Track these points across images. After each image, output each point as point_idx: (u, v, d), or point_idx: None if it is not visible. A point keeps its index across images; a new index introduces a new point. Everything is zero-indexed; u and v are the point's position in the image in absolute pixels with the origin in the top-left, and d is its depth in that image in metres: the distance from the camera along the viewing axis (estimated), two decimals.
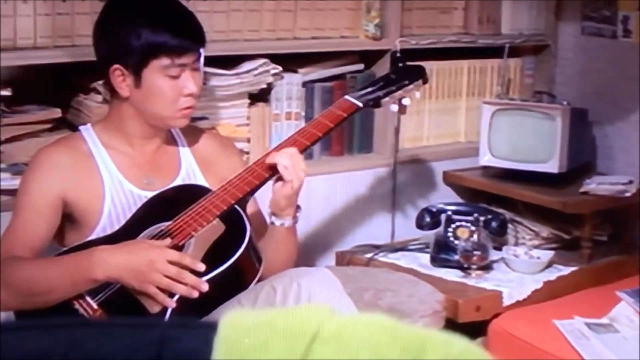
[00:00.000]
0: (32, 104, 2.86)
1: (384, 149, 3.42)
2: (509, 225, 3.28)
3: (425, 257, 3.21)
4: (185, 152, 2.64)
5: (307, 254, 3.27)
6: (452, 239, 3.15)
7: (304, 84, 3.27)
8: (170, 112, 2.49)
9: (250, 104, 3.17)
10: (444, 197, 3.47)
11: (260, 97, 3.21)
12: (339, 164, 3.35)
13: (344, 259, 3.30)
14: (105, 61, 2.49)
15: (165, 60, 2.44)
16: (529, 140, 3.25)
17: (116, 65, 2.46)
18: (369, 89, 2.66)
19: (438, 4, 3.50)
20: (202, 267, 2.32)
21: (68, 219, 2.52)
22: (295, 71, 3.26)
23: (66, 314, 2.34)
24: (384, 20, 3.32)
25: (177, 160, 2.62)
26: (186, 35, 2.47)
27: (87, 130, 2.58)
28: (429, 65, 3.44)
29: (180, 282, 2.29)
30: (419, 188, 3.50)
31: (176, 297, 2.30)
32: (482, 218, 3.20)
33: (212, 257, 2.36)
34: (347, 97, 2.61)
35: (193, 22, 2.52)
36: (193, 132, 2.72)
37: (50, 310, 2.35)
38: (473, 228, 3.15)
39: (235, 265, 2.36)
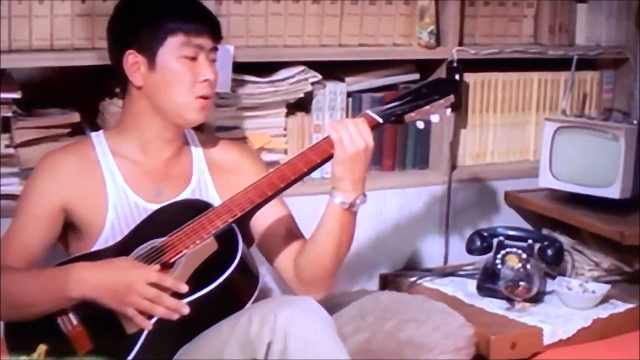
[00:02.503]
0: (61, 108, 2.79)
1: (440, 165, 3.18)
2: (569, 254, 3.00)
3: (475, 285, 2.95)
4: (199, 161, 2.50)
5: (350, 274, 3.08)
6: (499, 266, 2.88)
7: (351, 94, 3.06)
8: (186, 98, 2.36)
9: (290, 114, 3.00)
10: (506, 220, 3.20)
11: (302, 106, 3.04)
12: (390, 180, 3.13)
13: (387, 282, 3.09)
14: (118, 50, 2.39)
15: (181, 37, 2.34)
16: (591, 162, 2.96)
17: (130, 50, 2.36)
18: (395, 103, 2.42)
19: (506, 11, 3.23)
20: (184, 288, 2.18)
21: (71, 227, 2.42)
22: (342, 80, 3.07)
23: (48, 328, 2.26)
24: (442, 28, 3.09)
25: (189, 170, 2.48)
26: (203, 20, 2.39)
27: (97, 137, 2.47)
28: (494, 77, 3.23)
29: (160, 304, 2.17)
30: (480, 209, 3.25)
31: (155, 319, 2.17)
32: (537, 245, 2.93)
33: (199, 277, 2.21)
34: (368, 111, 2.40)
35: (210, 13, 2.46)
36: (211, 140, 2.58)
37: (35, 323, 2.26)
38: (524, 256, 2.88)
39: (222, 287, 2.19)
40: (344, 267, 3.02)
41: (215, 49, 2.42)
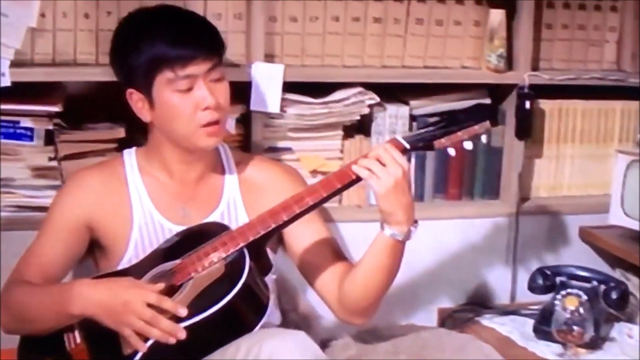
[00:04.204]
0: (112, 122, 2.76)
1: (510, 196, 3.00)
2: (635, 298, 2.77)
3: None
4: (231, 182, 2.43)
5: (407, 307, 2.96)
6: (557, 307, 2.68)
7: (416, 118, 2.92)
8: (190, 129, 2.27)
9: (348, 136, 2.88)
10: (579, 257, 3.00)
11: (364, 129, 2.92)
12: (454, 210, 2.98)
13: (445, 317, 2.93)
14: (123, 87, 2.33)
15: (168, 74, 2.23)
16: None
17: (130, 90, 2.30)
18: (429, 129, 2.30)
19: (586, 35, 3.01)
20: (183, 312, 2.11)
21: (98, 245, 2.41)
22: (406, 103, 2.94)
23: (56, 344, 2.24)
24: (514, 51, 2.92)
25: (219, 191, 2.42)
26: (188, 44, 2.23)
27: (129, 155, 2.45)
28: (573, 104, 3.03)
29: (155, 326, 2.11)
30: (551, 244, 3.04)
31: (150, 341, 2.11)
32: (602, 287, 2.71)
33: (200, 302, 2.14)
34: (397, 136, 2.28)
35: (200, 30, 2.29)
36: (247, 159, 2.50)
37: (46, 338, 2.25)
38: (584, 298, 2.67)
39: (221, 314, 2.11)
40: (400, 299, 2.93)
41: (217, 66, 2.27)
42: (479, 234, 3.00)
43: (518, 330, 2.79)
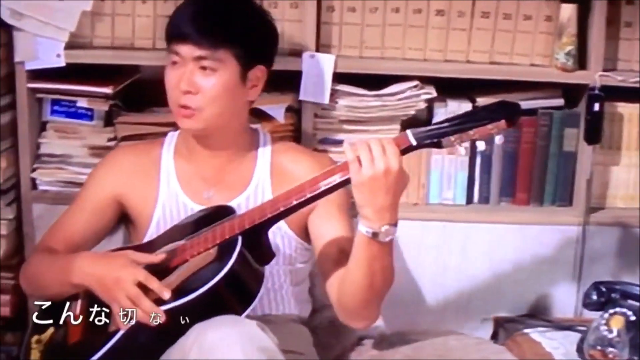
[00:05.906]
0: None
1: (583, 205, 2.82)
2: None
3: None
4: (262, 168, 2.43)
5: (459, 314, 2.86)
6: (602, 327, 2.50)
7: None
8: (172, 104, 2.35)
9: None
10: None
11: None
12: (520, 215, 2.84)
13: (498, 327, 2.80)
14: None
15: (170, 44, 2.33)
16: None
17: None
18: (442, 124, 2.18)
19: None
20: (167, 295, 2.13)
21: (129, 220, 2.51)
22: (472, 100, 2.82)
23: (61, 313, 2.30)
24: (588, 50, 2.74)
25: (249, 176, 2.42)
26: (184, 24, 2.29)
27: (171, 137, 2.53)
28: None
29: (138, 306, 2.14)
30: (624, 258, 2.84)
31: (133, 321, 2.14)
32: None
33: (186, 286, 2.15)
34: (408, 131, 2.18)
35: (208, 17, 2.31)
36: (283, 149, 2.48)
37: (56, 306, 2.32)
38: (632, 318, 2.47)
39: (201, 301, 2.10)
40: (455, 305, 2.83)
41: (209, 58, 2.28)
42: (546, 242, 2.84)
43: (565, 347, 2.62)
